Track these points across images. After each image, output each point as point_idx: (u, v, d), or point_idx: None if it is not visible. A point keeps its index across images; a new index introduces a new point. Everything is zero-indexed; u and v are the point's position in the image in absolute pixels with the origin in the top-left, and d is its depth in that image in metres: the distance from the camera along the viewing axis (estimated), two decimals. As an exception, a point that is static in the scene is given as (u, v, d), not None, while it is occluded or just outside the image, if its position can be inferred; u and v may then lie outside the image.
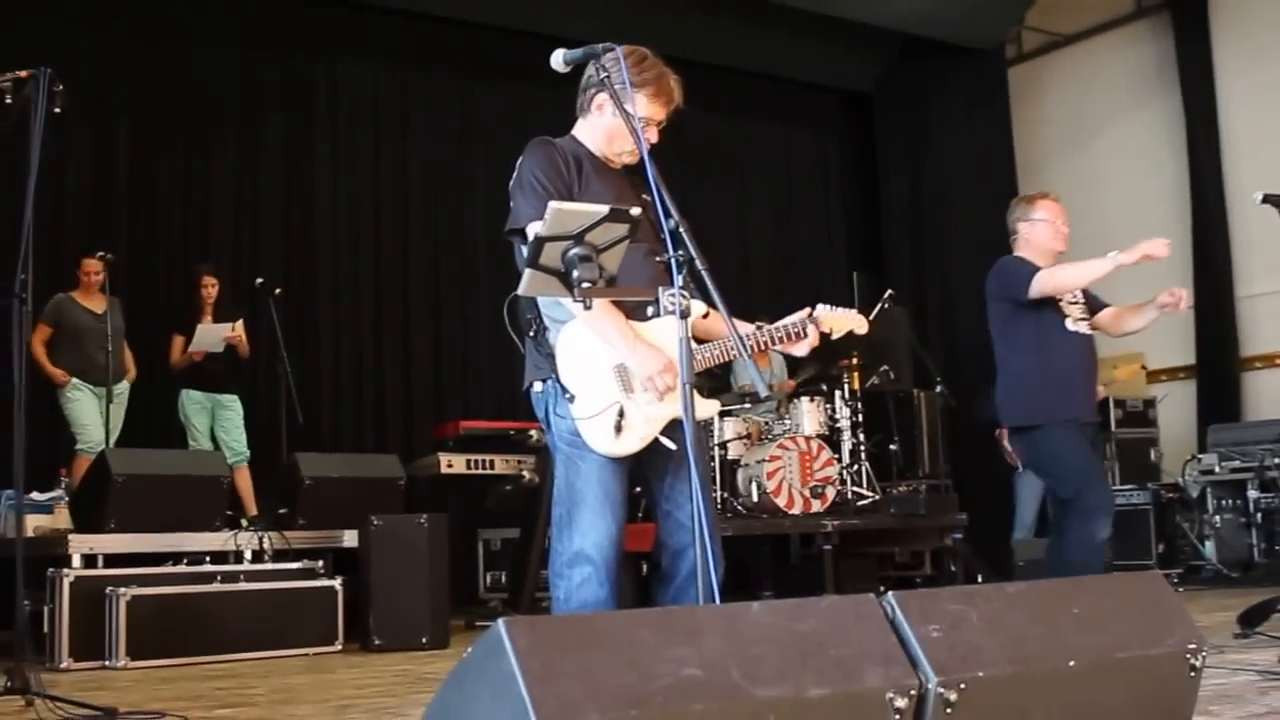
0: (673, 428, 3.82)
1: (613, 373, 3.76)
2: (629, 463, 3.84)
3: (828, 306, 4.09)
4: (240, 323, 9.32)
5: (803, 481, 8.71)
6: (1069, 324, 6.05)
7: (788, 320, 3.99)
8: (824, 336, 4.13)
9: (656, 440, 3.82)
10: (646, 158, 3.48)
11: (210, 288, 9.30)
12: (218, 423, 9.32)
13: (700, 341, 3.94)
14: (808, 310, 4.08)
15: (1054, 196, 6.28)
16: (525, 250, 3.52)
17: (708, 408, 3.98)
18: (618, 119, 3.75)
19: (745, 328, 3.88)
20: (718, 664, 2.07)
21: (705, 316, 3.96)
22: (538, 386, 3.87)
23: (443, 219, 11.33)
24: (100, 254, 8.66)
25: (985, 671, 2.30)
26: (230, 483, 8.07)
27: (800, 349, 3.91)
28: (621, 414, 3.74)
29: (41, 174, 4.77)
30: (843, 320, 4.10)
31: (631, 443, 3.77)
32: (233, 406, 9.34)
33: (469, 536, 9.81)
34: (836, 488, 8.97)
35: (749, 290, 12.76)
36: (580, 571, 3.72)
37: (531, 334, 3.85)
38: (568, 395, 3.74)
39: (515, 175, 3.91)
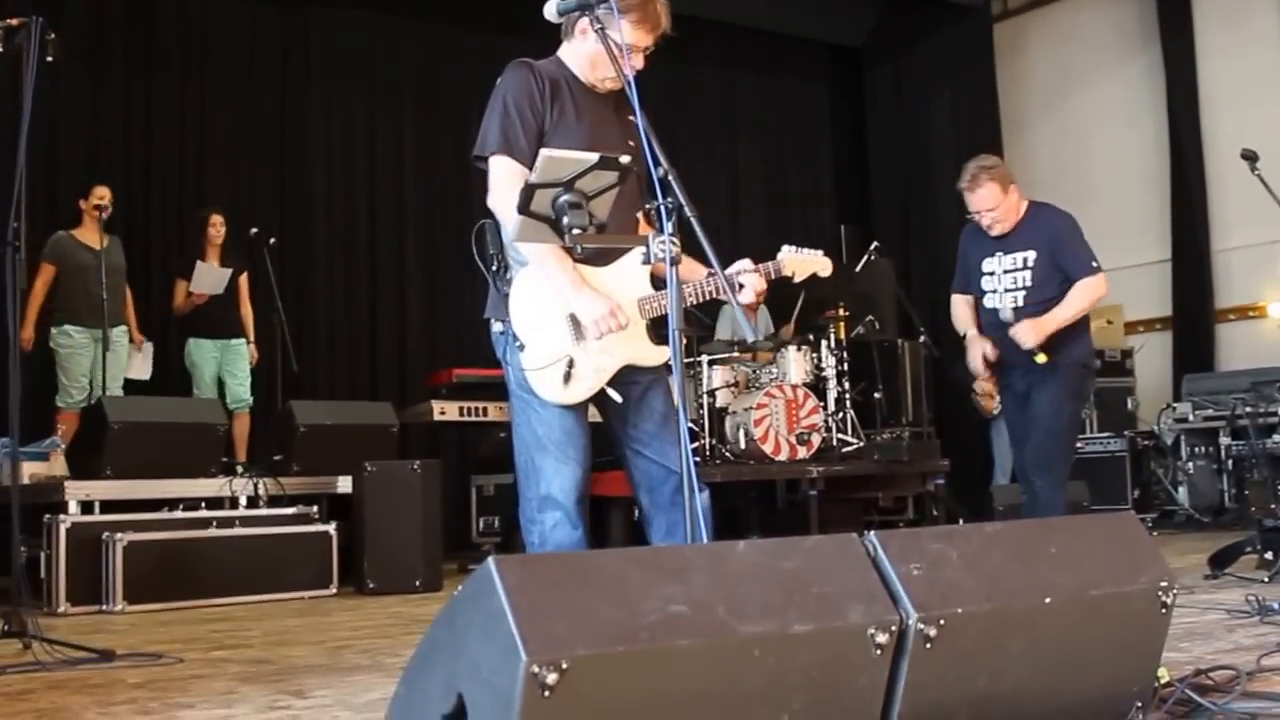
0: (623, 377, 3.83)
1: (564, 321, 3.74)
2: (587, 405, 3.82)
3: (791, 248, 4.03)
4: (244, 278, 9.23)
5: (789, 428, 8.72)
6: (986, 299, 6.00)
7: (736, 266, 3.89)
8: (788, 280, 4.08)
9: (603, 391, 3.81)
10: (632, 89, 3.41)
11: (217, 227, 9.13)
12: (226, 368, 9.17)
13: (659, 287, 3.88)
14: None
15: (977, 182, 5.86)
16: (490, 174, 3.78)
17: (659, 355, 3.93)
18: (599, 45, 3.63)
19: (700, 272, 3.83)
20: (704, 601, 2.08)
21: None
22: (497, 326, 3.87)
23: (437, 166, 11.27)
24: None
25: (964, 608, 2.31)
26: (226, 429, 8.04)
27: (744, 295, 3.78)
28: (571, 364, 3.73)
29: (35, 122, 4.73)
30: (806, 263, 4.03)
31: (579, 392, 3.76)
32: (242, 351, 9.23)
33: (462, 482, 9.82)
34: (822, 435, 8.99)
35: (737, 241, 12.73)
36: (551, 516, 3.72)
37: (494, 269, 3.85)
38: (518, 344, 3.74)
39: (491, 99, 3.88)
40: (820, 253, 4.08)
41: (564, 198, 3.12)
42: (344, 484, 7.78)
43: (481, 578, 2.01)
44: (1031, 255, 5.82)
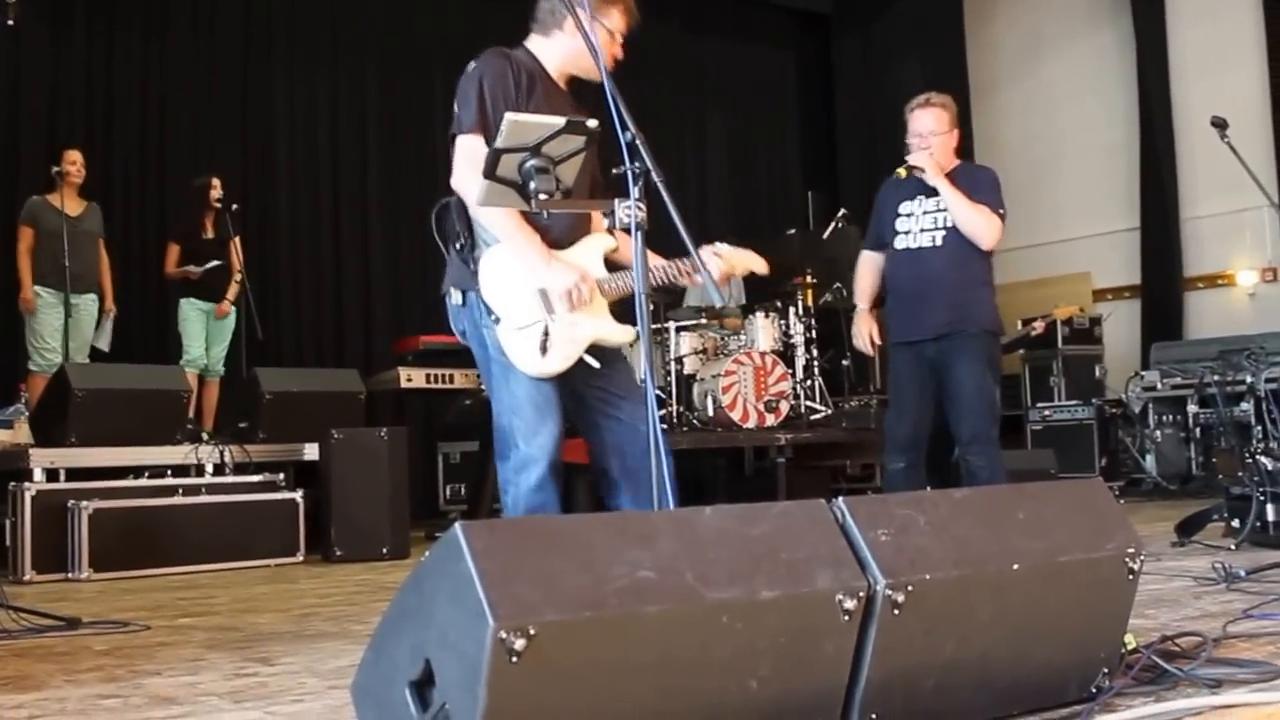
0: (590, 352, 3.94)
1: (535, 296, 3.85)
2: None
3: (728, 246, 4.12)
4: (235, 242, 9.17)
5: (757, 396, 8.74)
6: (898, 242, 5.90)
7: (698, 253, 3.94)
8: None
9: (580, 360, 3.92)
10: (606, 78, 3.43)
11: (217, 189, 9.14)
12: (211, 331, 9.22)
13: (614, 269, 4.04)
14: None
15: (932, 102, 5.89)
16: (458, 152, 3.66)
17: (624, 334, 4.04)
18: (579, 41, 3.76)
19: (658, 260, 3.94)
20: (672, 567, 2.08)
21: (615, 250, 4.08)
22: (456, 297, 3.96)
23: (402, 132, 11.22)
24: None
25: (932, 574, 2.32)
26: (190, 396, 8.00)
27: (698, 280, 3.81)
28: (546, 333, 3.84)
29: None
30: (743, 260, 4.10)
31: (556, 363, 3.87)
32: (229, 317, 9.24)
33: (428, 450, 9.82)
34: (790, 402, 9.01)
35: (705, 208, 12.76)
36: (529, 475, 3.82)
37: (458, 246, 3.92)
38: (493, 317, 3.83)
39: (464, 80, 3.91)
40: (753, 253, 4.15)
41: (531, 162, 3.11)
42: (310, 451, 7.76)
43: (449, 543, 2.01)
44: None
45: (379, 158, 11.15)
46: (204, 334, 9.16)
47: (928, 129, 5.81)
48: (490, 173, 3.17)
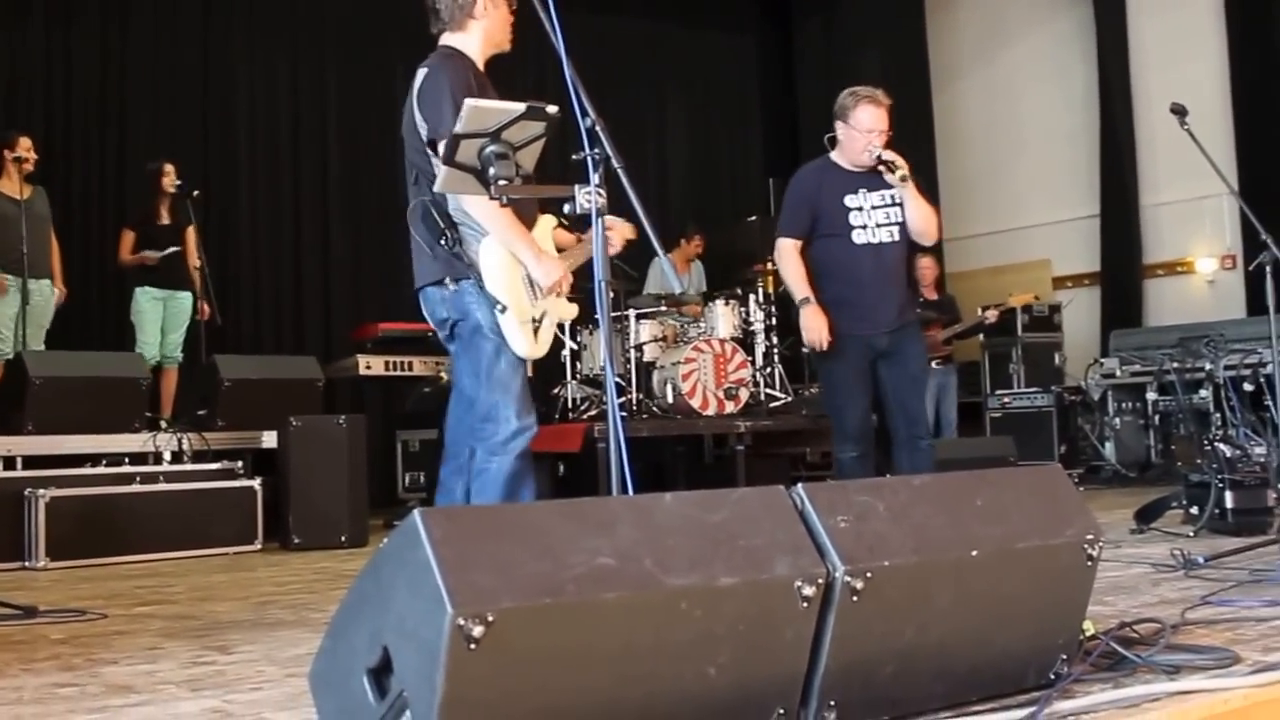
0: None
1: (525, 283, 4.13)
2: None
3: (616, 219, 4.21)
4: (191, 229, 9.08)
5: (717, 383, 8.75)
6: (856, 236, 5.85)
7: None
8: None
9: None
10: (566, 64, 3.42)
11: (171, 175, 9.01)
12: (167, 318, 9.08)
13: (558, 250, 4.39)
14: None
15: (883, 101, 5.92)
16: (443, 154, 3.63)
17: (572, 310, 4.44)
18: (498, 10, 4.18)
19: (567, 238, 4.36)
20: (630, 553, 2.08)
21: (555, 228, 4.42)
22: (451, 286, 4.15)
23: (363, 119, 11.14)
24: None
25: (891, 561, 2.33)
26: (150, 384, 7.94)
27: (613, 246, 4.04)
28: (537, 320, 4.17)
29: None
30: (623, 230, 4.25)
31: (543, 347, 4.23)
32: (184, 303, 9.09)
33: (387, 437, 9.80)
34: (750, 389, 9.02)
35: (665, 194, 12.75)
36: (518, 444, 4.14)
37: (442, 241, 4.10)
38: (499, 306, 4.05)
39: (423, 86, 4.09)
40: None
41: (490, 148, 3.11)
42: (269, 439, 7.72)
43: (407, 530, 2.01)
44: (897, 194, 5.85)
45: (340, 144, 11.09)
46: (159, 324, 9.04)
47: (880, 127, 5.85)
48: (450, 159, 3.16)
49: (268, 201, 10.74)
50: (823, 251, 5.88)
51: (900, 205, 5.85)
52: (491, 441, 4.15)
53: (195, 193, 9.03)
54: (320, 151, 11.03)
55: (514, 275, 4.11)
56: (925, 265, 10.56)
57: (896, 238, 5.85)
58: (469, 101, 3.14)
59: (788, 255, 5.91)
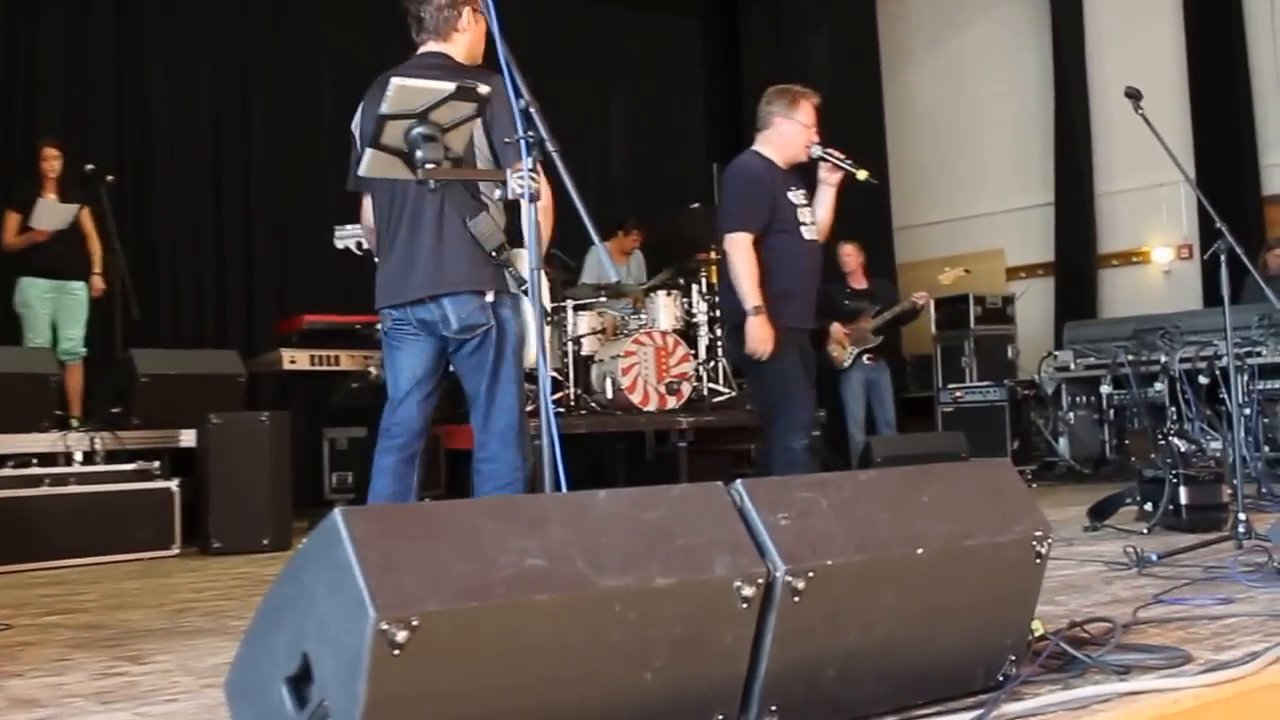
0: None
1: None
2: None
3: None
4: (86, 212, 8.95)
5: (658, 378, 8.76)
6: (805, 232, 5.98)
7: None
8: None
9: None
10: (500, 43, 3.43)
11: (52, 160, 8.82)
12: (59, 312, 8.89)
13: None
14: None
15: (817, 101, 6.10)
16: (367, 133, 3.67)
17: None
18: (479, 26, 4.38)
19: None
20: (562, 553, 2.08)
21: None
22: (491, 296, 4.37)
23: (287, 103, 11.07)
24: None
25: (834, 559, 2.34)
26: (60, 381, 7.85)
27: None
28: None
29: None
30: None
31: None
32: (79, 295, 8.92)
33: (313, 436, 9.74)
34: (692, 384, 9.04)
35: (605, 180, 12.74)
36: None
37: (495, 253, 4.29)
38: (549, 319, 4.35)
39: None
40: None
41: (417, 130, 3.10)
42: (187, 437, 7.66)
43: (327, 530, 1.99)
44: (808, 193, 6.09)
45: (264, 129, 11.00)
46: (49, 319, 8.85)
47: (814, 124, 6.06)
48: (375, 141, 3.14)
49: (187, 188, 10.64)
50: (778, 246, 5.91)
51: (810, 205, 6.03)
52: (517, 456, 4.49)
53: (90, 167, 8.85)
54: (243, 137, 10.94)
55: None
56: (848, 253, 10.46)
57: (817, 236, 6.07)
58: (395, 80, 3.13)
59: (746, 252, 5.83)
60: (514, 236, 4.21)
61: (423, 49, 4.48)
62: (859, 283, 10.53)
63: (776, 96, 6.07)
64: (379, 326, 4.83)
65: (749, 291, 5.78)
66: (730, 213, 5.92)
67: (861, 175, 5.87)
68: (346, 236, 5.53)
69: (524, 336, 4.43)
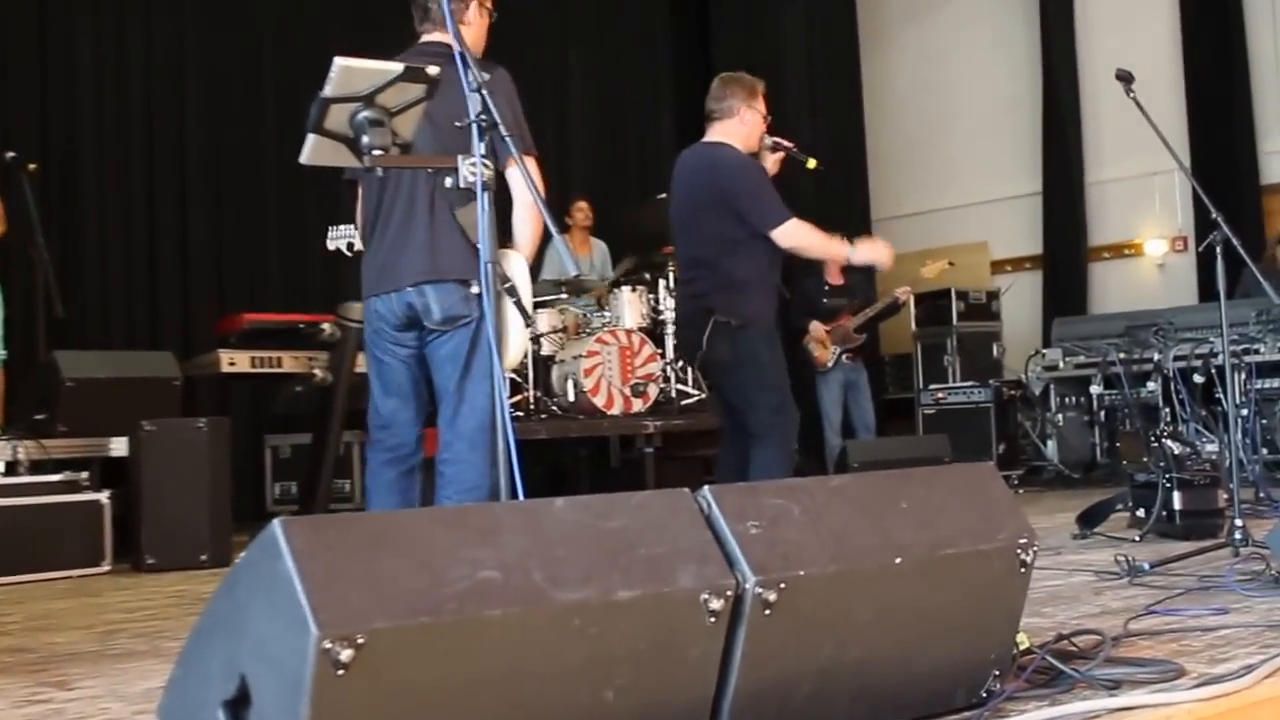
0: None
1: None
2: None
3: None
4: None
5: (623, 379, 8.77)
6: None
7: None
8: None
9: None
10: (450, 20, 3.44)
11: None
12: None
13: None
14: None
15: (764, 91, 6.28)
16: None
17: None
18: (484, 19, 4.88)
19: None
20: (517, 565, 2.08)
21: None
22: (475, 289, 4.45)
23: (224, 89, 11.01)
24: None
25: (806, 570, 2.35)
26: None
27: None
28: None
29: None
30: None
31: None
32: None
33: (255, 443, 9.70)
34: (659, 385, 9.05)
35: (564, 167, 12.71)
36: None
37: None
38: (530, 321, 4.80)
39: (506, 89, 4.74)
40: None
41: (363, 114, 3.09)
42: (118, 446, 7.61)
43: (265, 542, 1.99)
44: None
45: (199, 115, 10.91)
46: None
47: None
48: (317, 126, 3.14)
49: (116, 178, 10.56)
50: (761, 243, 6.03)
51: None
52: (483, 457, 4.58)
53: (10, 154, 8.76)
54: (177, 123, 10.86)
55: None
56: None
57: None
58: (338, 61, 3.11)
59: (803, 226, 6.01)
60: (503, 235, 4.26)
61: (425, 38, 4.71)
62: (836, 278, 10.55)
63: (735, 85, 6.20)
64: (365, 325, 4.99)
65: (838, 247, 6.17)
66: (766, 209, 5.97)
67: (811, 164, 6.04)
68: (339, 238, 5.60)
69: (504, 336, 4.46)
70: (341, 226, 5.48)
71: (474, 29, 4.74)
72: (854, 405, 10.40)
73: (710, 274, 6.00)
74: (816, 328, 10.18)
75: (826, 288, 10.45)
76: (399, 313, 4.76)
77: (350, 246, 5.43)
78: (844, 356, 10.27)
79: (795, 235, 5.98)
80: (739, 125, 6.09)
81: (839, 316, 10.31)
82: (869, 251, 6.20)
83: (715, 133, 6.15)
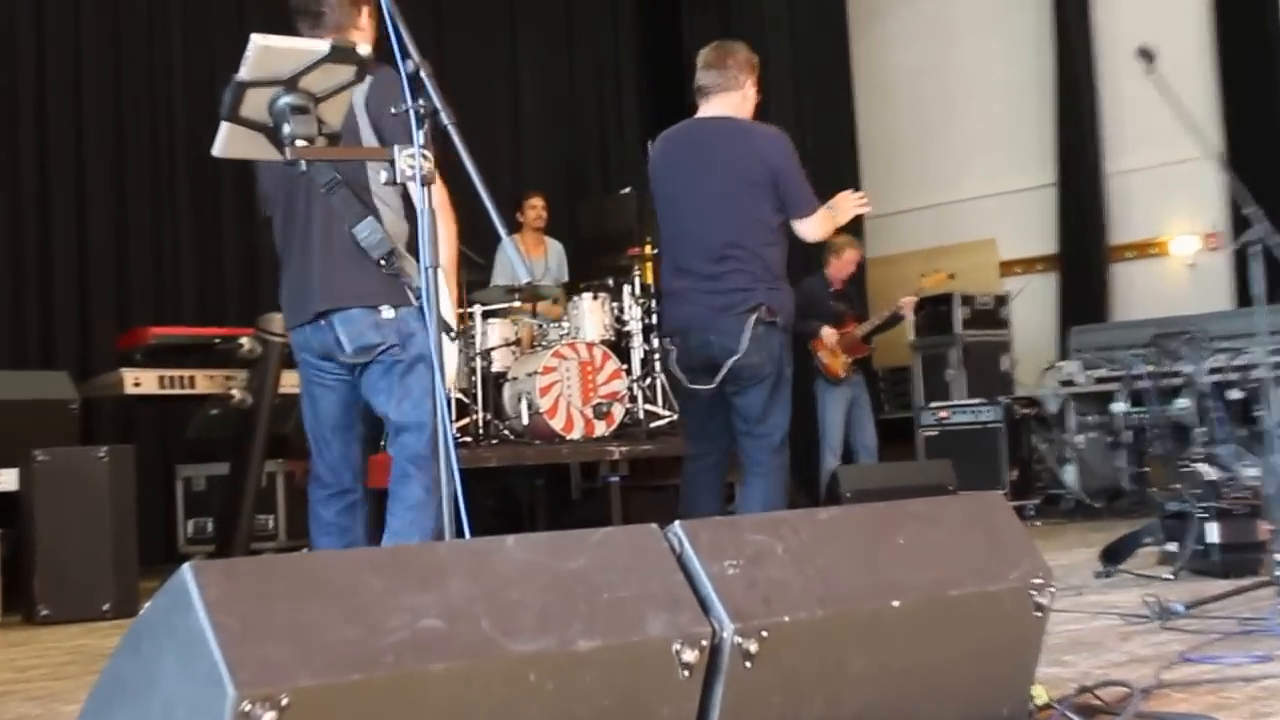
0: None
1: None
2: None
3: None
4: None
5: (584, 398, 8.76)
6: None
7: None
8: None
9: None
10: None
11: None
12: None
13: None
14: None
15: None
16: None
17: None
18: (373, 23, 4.70)
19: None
20: (464, 612, 2.08)
21: None
22: (388, 312, 4.65)
23: (127, 82, 10.97)
24: None
25: (792, 615, 2.35)
26: None
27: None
28: None
29: None
30: None
31: None
32: None
33: (164, 474, 9.67)
34: (625, 405, 9.04)
35: (517, 159, 12.71)
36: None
37: (384, 262, 4.41)
38: (453, 334, 4.60)
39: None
40: None
41: (284, 99, 3.08)
42: (7, 479, 7.58)
43: (175, 590, 1.99)
44: None
45: (98, 111, 10.85)
46: None
47: None
48: (232, 113, 3.12)
49: (3, 176, 10.53)
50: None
51: None
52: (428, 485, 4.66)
53: None
54: (72, 109, 10.81)
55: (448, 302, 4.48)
56: (855, 257, 10.65)
57: None
58: (256, 39, 3.10)
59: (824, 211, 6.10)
60: (414, 246, 4.27)
61: (333, 35, 4.73)
62: (839, 280, 10.59)
63: (737, 55, 6.13)
64: (285, 341, 5.32)
65: (832, 221, 6.18)
66: (808, 194, 6.04)
67: None
68: None
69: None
70: None
71: (366, 35, 4.74)
72: (855, 425, 10.43)
73: (753, 263, 5.94)
74: (830, 334, 10.17)
75: (833, 290, 10.47)
76: (315, 346, 4.84)
77: None
78: (853, 367, 10.31)
79: (823, 226, 6.08)
80: (743, 101, 6.06)
81: (845, 322, 10.34)
82: (846, 206, 6.19)
83: (717, 106, 6.07)
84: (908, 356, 11.92)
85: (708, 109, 6.10)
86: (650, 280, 9.86)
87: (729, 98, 6.04)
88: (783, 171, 5.93)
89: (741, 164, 5.95)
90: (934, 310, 11.62)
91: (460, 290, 8.96)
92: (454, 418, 8.19)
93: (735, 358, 5.84)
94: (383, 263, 4.39)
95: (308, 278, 4.74)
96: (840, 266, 10.47)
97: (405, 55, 3.20)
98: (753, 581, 2.34)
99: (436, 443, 4.57)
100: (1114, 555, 6.26)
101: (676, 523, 2.37)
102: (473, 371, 8.94)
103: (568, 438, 8.74)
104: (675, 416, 9.49)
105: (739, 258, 5.93)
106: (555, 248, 10.86)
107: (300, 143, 3.08)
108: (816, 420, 10.43)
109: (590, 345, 8.97)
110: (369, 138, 4.50)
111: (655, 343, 9.66)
